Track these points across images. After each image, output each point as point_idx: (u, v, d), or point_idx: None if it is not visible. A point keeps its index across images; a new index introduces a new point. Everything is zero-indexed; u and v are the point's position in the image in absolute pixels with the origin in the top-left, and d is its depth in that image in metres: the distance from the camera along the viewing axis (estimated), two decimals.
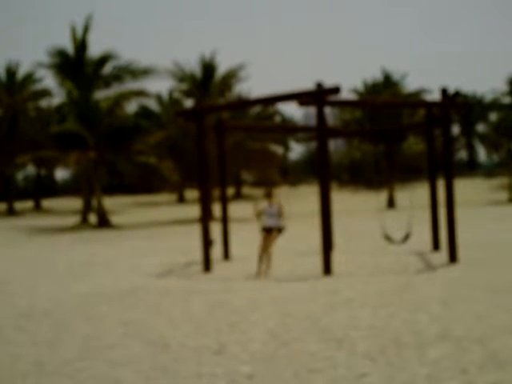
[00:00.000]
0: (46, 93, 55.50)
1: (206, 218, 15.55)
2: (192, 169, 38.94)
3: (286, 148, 79.16)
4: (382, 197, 48.79)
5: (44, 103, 56.80)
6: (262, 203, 14.56)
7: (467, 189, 55.76)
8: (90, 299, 11.51)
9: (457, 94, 18.90)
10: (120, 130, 38.94)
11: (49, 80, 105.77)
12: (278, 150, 64.51)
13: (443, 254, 15.67)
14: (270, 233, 14.08)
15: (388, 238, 15.98)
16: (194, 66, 49.95)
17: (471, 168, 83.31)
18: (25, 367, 7.30)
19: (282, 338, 8.00)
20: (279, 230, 14.19)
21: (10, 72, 60.23)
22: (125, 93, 40.63)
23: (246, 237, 23.28)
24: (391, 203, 47.75)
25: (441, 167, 15.69)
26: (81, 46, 41.16)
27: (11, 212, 56.78)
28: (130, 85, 42.10)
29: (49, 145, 40.75)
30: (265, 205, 14.37)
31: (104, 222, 37.89)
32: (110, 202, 52.80)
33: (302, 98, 14.34)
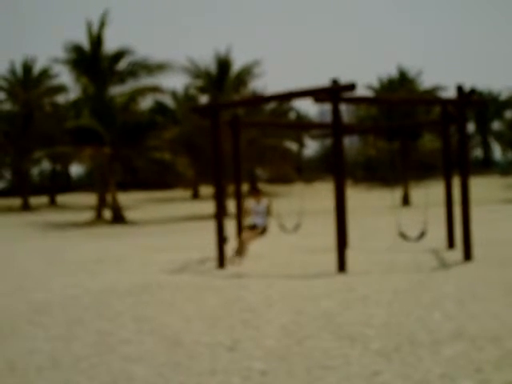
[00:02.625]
0: (61, 88, 55.79)
1: (220, 215, 15.54)
2: (207, 165, 39.02)
3: (301, 145, 79.05)
4: (396, 194, 48.66)
5: (60, 99, 57.11)
6: (250, 201, 14.39)
7: (482, 187, 55.54)
8: (104, 295, 11.54)
9: (472, 91, 18.80)
10: (135, 125, 39.03)
11: (64, 76, 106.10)
12: (293, 146, 64.48)
13: (458, 252, 15.60)
14: (252, 229, 13.97)
15: (403, 236, 15.92)
16: (209, 63, 50.01)
17: (486, 166, 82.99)
18: (39, 362, 7.32)
19: (295, 335, 7.99)
20: (263, 229, 14.07)
21: (26, 68, 60.55)
22: (140, 88, 40.71)
23: None
24: (406, 201, 47.61)
25: (456, 165, 15.61)
26: (96, 41, 41.26)
27: (26, 207, 57.07)
28: (145, 81, 42.21)
29: (64, 140, 40.91)
30: (252, 202, 14.19)
31: (118, 218, 37.99)
32: (124, 198, 52.94)
33: (317, 94, 14.30)
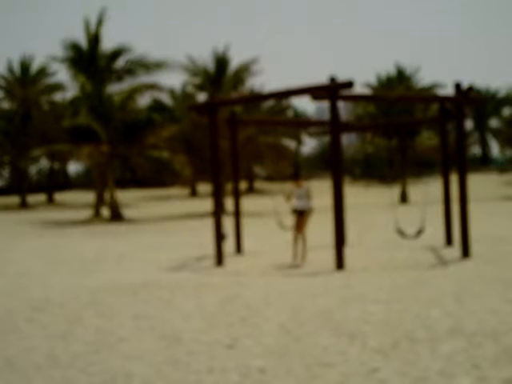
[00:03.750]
0: (59, 86, 55.74)
1: (218, 212, 15.55)
2: (205, 163, 39.00)
3: (299, 142, 79.05)
4: (394, 191, 48.67)
5: (57, 97, 57.04)
6: (290, 186, 14.72)
7: (480, 184, 55.56)
8: (103, 293, 11.55)
9: (470, 88, 18.77)
10: (133, 123, 38.97)
11: (62, 74, 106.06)
12: (291, 144, 64.47)
13: (456, 249, 15.62)
14: (302, 215, 14.25)
15: (401, 233, 15.93)
16: (206, 60, 50.02)
17: (484, 163, 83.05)
18: (38, 360, 7.33)
19: (294, 333, 8.00)
20: (310, 211, 14.43)
21: (24, 66, 60.48)
22: (138, 86, 40.64)
23: (258, 231, 23.29)
24: (404, 198, 47.59)
25: (454, 162, 15.63)
26: (94, 39, 41.20)
27: (24, 205, 57.02)
28: (143, 78, 42.16)
29: (62, 138, 40.85)
30: (293, 187, 14.54)
31: (117, 216, 37.95)
32: (122, 196, 52.91)
33: (315, 92, 14.31)
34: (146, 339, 8.04)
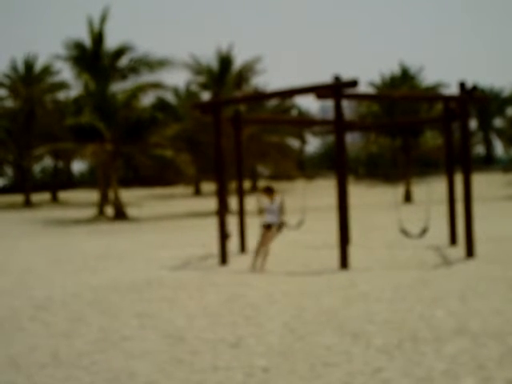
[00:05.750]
0: (63, 85, 55.80)
1: (222, 211, 15.54)
2: (208, 161, 39.00)
3: (303, 141, 79.00)
4: (398, 191, 48.64)
5: (61, 95, 57.10)
6: (264, 200, 14.49)
7: (484, 183, 55.50)
8: (106, 291, 11.54)
9: (474, 88, 18.70)
10: (136, 122, 38.98)
11: (66, 72, 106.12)
12: (295, 143, 64.44)
13: (460, 249, 15.58)
14: (269, 229, 14.05)
15: (405, 233, 15.90)
16: (210, 59, 50.02)
17: (488, 163, 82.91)
18: (41, 358, 7.32)
19: (297, 332, 7.98)
20: (279, 226, 14.15)
21: (28, 65, 60.55)
22: (141, 85, 40.66)
23: None
24: (408, 197, 47.56)
25: (458, 162, 15.60)
26: (98, 38, 41.26)
27: (28, 204, 57.09)
28: (147, 77, 42.22)
29: (66, 137, 40.90)
30: (266, 201, 14.32)
31: (120, 215, 37.99)
32: (126, 195, 52.94)
33: (319, 91, 14.28)
34: (150, 338, 8.03)
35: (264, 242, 14.05)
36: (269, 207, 14.20)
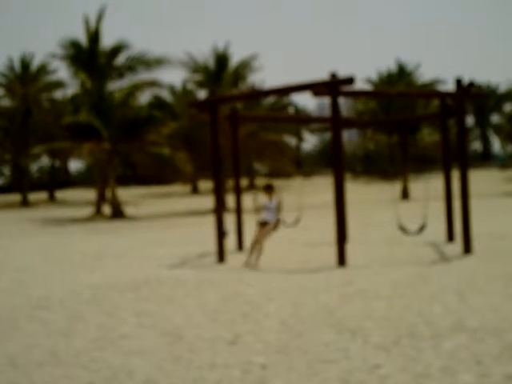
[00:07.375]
0: (59, 84, 55.68)
1: (219, 209, 15.54)
2: (206, 160, 38.94)
3: (300, 139, 78.97)
4: (396, 188, 48.65)
5: (58, 94, 57.00)
6: (262, 198, 14.54)
7: (481, 180, 55.50)
8: (104, 290, 11.54)
9: (471, 84, 18.70)
10: (133, 120, 38.92)
11: (62, 71, 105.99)
12: (292, 140, 64.41)
13: (458, 245, 15.61)
14: (264, 226, 14.10)
15: (403, 229, 15.91)
16: (207, 57, 49.97)
17: (485, 159, 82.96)
18: (40, 357, 7.33)
19: (295, 329, 7.99)
20: (275, 223, 14.21)
21: (24, 63, 60.44)
22: (138, 83, 40.63)
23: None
24: (405, 194, 47.55)
25: (455, 158, 15.61)
26: (94, 36, 41.20)
27: (25, 203, 56.99)
28: (143, 75, 42.17)
29: (63, 136, 40.84)
30: (264, 200, 14.38)
31: (118, 213, 37.95)
32: (123, 193, 52.88)
33: (316, 88, 14.27)
34: (148, 336, 8.04)
35: (259, 239, 14.09)
36: (267, 205, 14.25)
